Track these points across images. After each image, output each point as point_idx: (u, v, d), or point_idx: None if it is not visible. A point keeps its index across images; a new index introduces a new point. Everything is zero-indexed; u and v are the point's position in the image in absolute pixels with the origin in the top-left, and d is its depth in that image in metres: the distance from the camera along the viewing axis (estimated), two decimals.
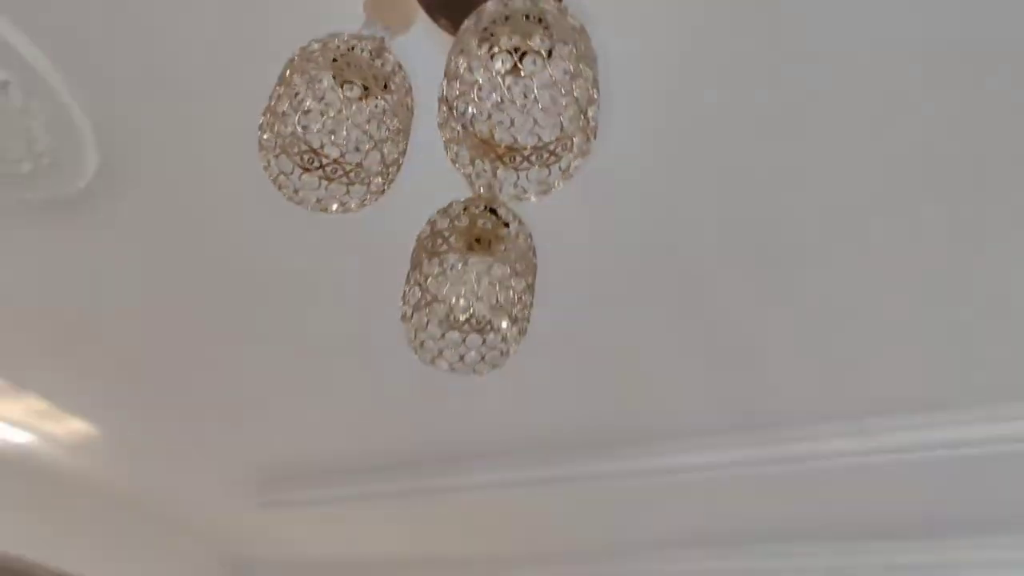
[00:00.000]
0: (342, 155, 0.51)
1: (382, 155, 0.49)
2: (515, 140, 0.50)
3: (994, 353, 1.34)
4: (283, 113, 0.47)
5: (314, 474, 2.26)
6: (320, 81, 0.47)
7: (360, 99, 0.50)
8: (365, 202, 0.51)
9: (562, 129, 0.43)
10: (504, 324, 0.53)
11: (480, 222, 0.53)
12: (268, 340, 1.53)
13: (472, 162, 0.48)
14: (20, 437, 1.97)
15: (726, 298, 1.28)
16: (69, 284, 1.39)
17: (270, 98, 0.47)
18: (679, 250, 1.19)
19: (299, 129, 0.47)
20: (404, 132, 0.50)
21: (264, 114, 0.47)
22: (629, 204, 1.10)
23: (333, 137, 0.49)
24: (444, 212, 0.55)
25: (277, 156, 0.49)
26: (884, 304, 1.26)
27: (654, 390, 1.59)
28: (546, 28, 0.44)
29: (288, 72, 0.49)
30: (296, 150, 0.50)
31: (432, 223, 0.55)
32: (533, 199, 0.47)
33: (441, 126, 0.45)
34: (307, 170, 0.52)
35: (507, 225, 0.55)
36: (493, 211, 0.54)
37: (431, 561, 2.76)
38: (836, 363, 1.43)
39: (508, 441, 1.89)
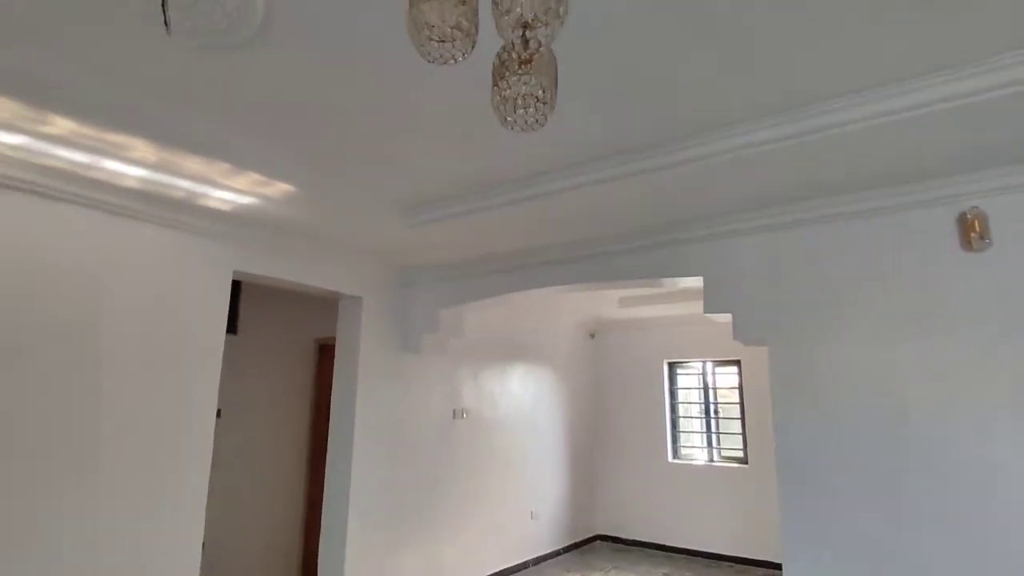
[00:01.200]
0: (450, 31, 1.01)
1: (466, 31, 0.98)
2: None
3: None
4: (416, 16, 0.96)
5: (441, 199, 3.05)
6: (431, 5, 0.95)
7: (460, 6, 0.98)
8: (464, 55, 1.02)
9: None
10: (543, 106, 1.07)
11: (521, 53, 1.04)
12: (397, 120, 2.11)
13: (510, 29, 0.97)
14: (245, 200, 2.87)
15: (742, 13, 1.63)
16: (261, 95, 2.01)
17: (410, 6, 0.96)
18: None
19: (427, 28, 0.98)
20: (474, 11, 0.98)
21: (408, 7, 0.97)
22: None
23: (445, 23, 0.99)
24: (502, 49, 1.05)
25: (411, 23, 1.00)
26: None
27: (689, 98, 2.03)
28: None
29: None
30: (427, 33, 1.00)
31: (499, 55, 1.06)
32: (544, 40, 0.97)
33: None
34: (431, 40, 1.03)
35: (537, 47, 1.05)
36: (526, 42, 1.04)
37: (532, 252, 3.69)
38: (830, 56, 1.78)
39: (583, 152, 2.47)
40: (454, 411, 4.83)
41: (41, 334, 2.55)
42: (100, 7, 1.60)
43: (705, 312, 3.14)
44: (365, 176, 2.71)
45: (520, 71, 1.02)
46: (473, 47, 1.00)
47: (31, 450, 2.48)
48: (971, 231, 2.45)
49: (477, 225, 3.23)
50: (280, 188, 2.72)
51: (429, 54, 1.03)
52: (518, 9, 0.92)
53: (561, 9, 0.93)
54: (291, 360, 4.94)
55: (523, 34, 0.95)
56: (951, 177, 2.47)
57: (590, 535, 6.45)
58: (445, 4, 0.95)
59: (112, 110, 2.08)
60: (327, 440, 4.79)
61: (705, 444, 6.31)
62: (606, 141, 2.37)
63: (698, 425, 6.41)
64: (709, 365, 6.38)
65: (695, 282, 3.26)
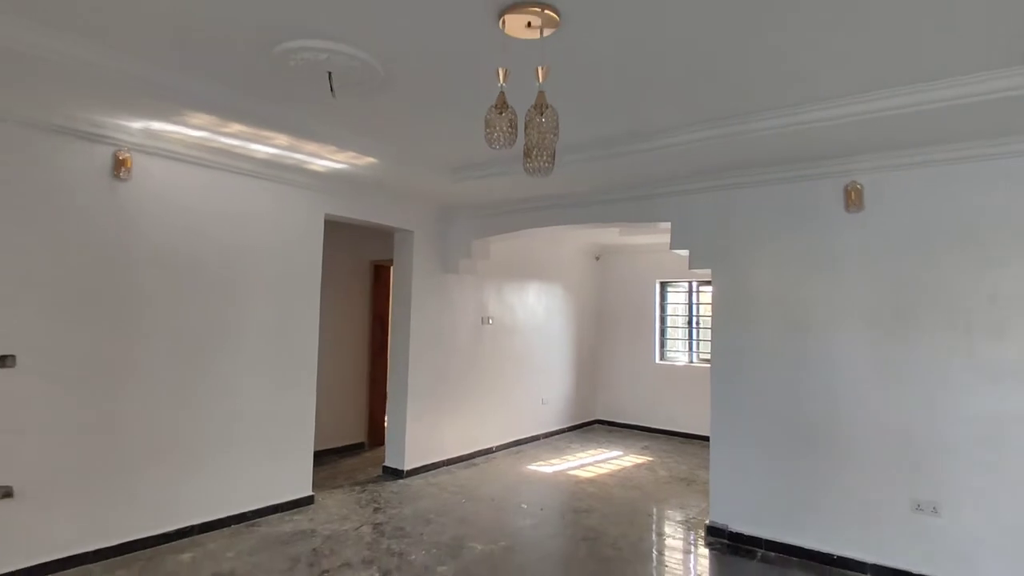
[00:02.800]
0: (502, 132, 2.10)
1: (512, 135, 2.07)
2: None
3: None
4: (489, 132, 2.04)
5: (476, 165, 4.13)
6: (496, 122, 2.02)
7: (509, 126, 2.07)
8: (511, 145, 2.10)
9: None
10: (550, 165, 2.19)
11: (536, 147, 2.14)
12: (447, 125, 3.16)
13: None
14: (340, 166, 3.99)
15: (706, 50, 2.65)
16: (367, 113, 3.08)
17: (486, 124, 2.04)
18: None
19: (493, 136, 2.07)
20: (516, 127, 2.06)
21: (485, 126, 2.06)
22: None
23: (503, 133, 2.08)
24: (527, 142, 2.15)
25: (487, 135, 2.10)
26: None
27: (651, 109, 3.06)
28: None
29: (489, 114, 2.05)
30: (493, 138, 2.10)
31: (526, 144, 2.16)
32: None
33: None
34: (495, 139, 2.13)
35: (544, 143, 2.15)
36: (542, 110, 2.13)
37: (545, 198, 4.79)
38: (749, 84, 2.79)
39: (581, 140, 3.52)
40: (482, 318, 6.12)
41: (207, 258, 3.79)
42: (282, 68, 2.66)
43: (671, 248, 4.28)
44: (424, 152, 3.80)
45: (537, 153, 2.11)
46: (516, 140, 2.08)
47: (207, 334, 3.81)
48: (850, 198, 3.52)
49: (502, 181, 4.32)
50: (366, 160, 3.84)
51: (493, 143, 2.12)
52: (533, 137, 2.01)
53: (553, 135, 2.01)
54: (354, 277, 6.21)
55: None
56: (840, 159, 3.49)
57: (590, 419, 7.95)
58: (502, 125, 2.03)
59: (270, 118, 3.17)
60: (382, 337, 6.15)
61: (687, 349, 7.62)
62: (592, 136, 3.42)
63: (682, 333, 7.70)
64: (694, 284, 7.55)
65: (667, 225, 4.36)
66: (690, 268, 4.18)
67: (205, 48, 2.43)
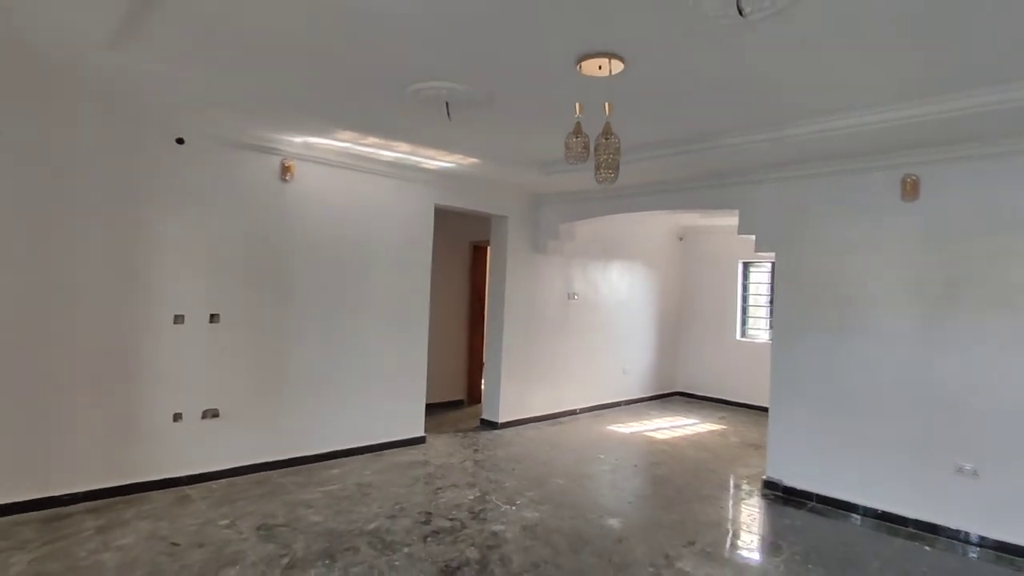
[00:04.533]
0: (577, 153, 2.75)
1: (581, 155, 2.71)
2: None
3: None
4: (567, 152, 2.69)
5: (561, 161, 4.76)
6: (573, 145, 2.67)
7: (583, 148, 2.72)
8: (583, 160, 2.74)
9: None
10: (614, 175, 2.82)
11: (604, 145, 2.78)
12: (535, 129, 3.82)
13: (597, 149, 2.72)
14: (449, 165, 4.79)
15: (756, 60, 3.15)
16: (467, 123, 3.81)
17: (566, 147, 2.69)
18: None
19: (570, 153, 2.72)
20: (588, 149, 2.69)
21: (565, 148, 2.72)
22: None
23: (578, 152, 2.73)
24: (598, 159, 2.79)
25: (565, 155, 2.75)
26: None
27: (707, 118, 3.56)
28: None
29: (568, 139, 2.71)
30: (569, 155, 2.75)
31: (596, 161, 2.80)
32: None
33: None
34: (571, 157, 2.79)
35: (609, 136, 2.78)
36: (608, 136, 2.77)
37: (627, 187, 5.34)
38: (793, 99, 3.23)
39: (650, 139, 4.06)
40: (568, 294, 6.80)
41: (344, 240, 4.76)
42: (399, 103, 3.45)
43: (739, 233, 4.72)
44: (517, 153, 4.50)
45: (604, 168, 2.73)
46: (588, 157, 2.71)
47: (345, 302, 4.80)
48: (906, 188, 3.81)
49: (584, 175, 4.92)
50: (470, 160, 4.61)
51: (569, 160, 2.77)
52: (602, 156, 2.64)
53: (616, 155, 2.63)
54: (455, 256, 7.10)
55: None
56: (897, 153, 3.79)
57: (670, 391, 8.45)
58: (577, 148, 2.67)
59: (397, 131, 4.00)
60: (479, 309, 7.00)
61: (768, 327, 7.88)
62: (659, 137, 3.94)
63: (763, 312, 7.95)
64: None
65: (736, 211, 4.80)
66: (755, 252, 4.62)
67: (356, 87, 3.25)
